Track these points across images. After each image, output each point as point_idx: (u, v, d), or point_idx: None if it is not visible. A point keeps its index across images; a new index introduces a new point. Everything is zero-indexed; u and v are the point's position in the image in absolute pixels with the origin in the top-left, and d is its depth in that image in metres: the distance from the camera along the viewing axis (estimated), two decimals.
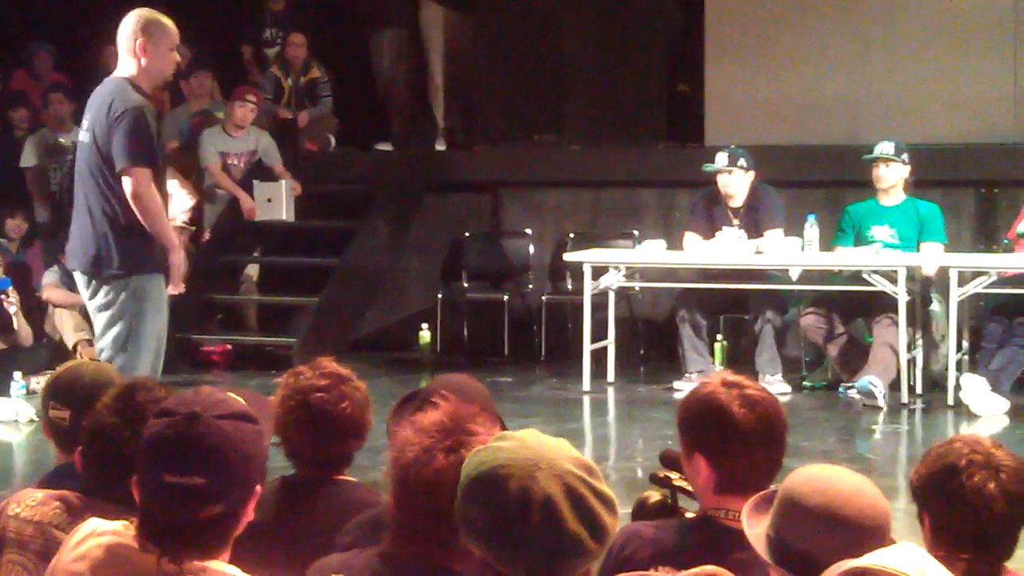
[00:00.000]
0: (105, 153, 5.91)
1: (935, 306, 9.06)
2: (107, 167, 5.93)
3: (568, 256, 9.92)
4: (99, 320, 6.04)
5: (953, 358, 8.62)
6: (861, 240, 9.11)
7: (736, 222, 9.26)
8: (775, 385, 8.72)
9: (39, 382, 8.52)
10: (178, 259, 6.04)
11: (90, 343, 8.54)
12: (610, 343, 9.45)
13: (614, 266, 9.36)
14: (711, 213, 9.39)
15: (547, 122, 11.78)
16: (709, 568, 1.89)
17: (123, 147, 5.84)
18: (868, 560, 2.02)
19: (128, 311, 5.95)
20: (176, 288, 6.10)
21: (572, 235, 10.96)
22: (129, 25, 6.00)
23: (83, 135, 6.09)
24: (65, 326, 9.80)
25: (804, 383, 9.33)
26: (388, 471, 2.60)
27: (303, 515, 3.41)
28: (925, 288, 9.03)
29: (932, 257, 8.92)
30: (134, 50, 5.96)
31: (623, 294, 10.01)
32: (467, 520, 2.25)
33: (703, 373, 8.65)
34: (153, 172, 5.93)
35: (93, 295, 6.03)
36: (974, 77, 10.67)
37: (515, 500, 2.18)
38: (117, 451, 2.90)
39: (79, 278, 6.15)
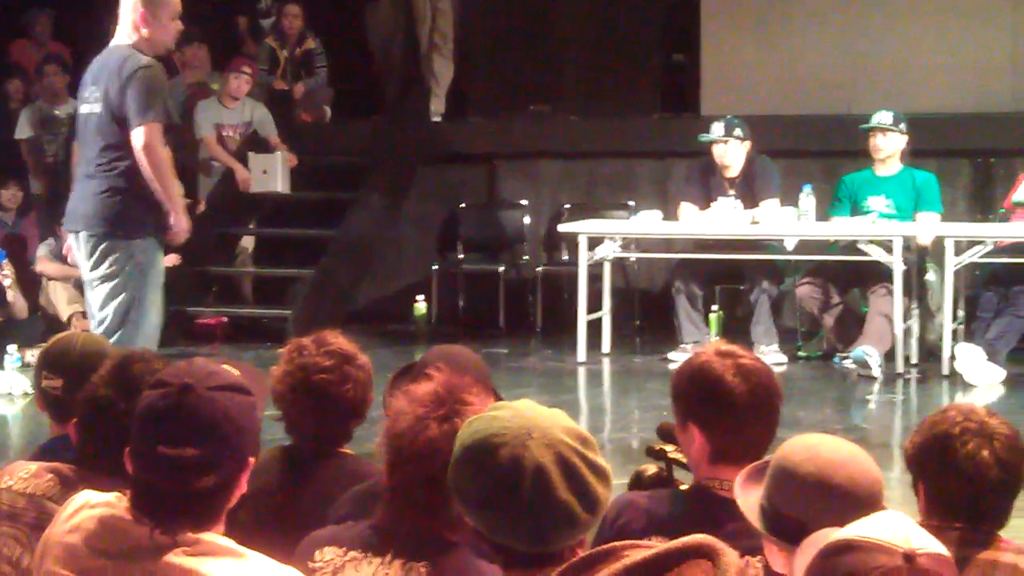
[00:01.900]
0: (118, 116, 5.93)
1: (931, 276, 9.08)
2: (117, 129, 5.96)
3: (563, 227, 9.91)
4: (100, 291, 6.02)
5: (949, 328, 8.63)
6: (857, 210, 9.10)
7: (732, 192, 9.25)
8: (770, 355, 8.73)
9: (34, 355, 8.51)
10: (180, 221, 6.01)
11: (84, 315, 8.54)
12: (606, 314, 9.45)
13: (610, 237, 9.36)
14: (707, 183, 9.37)
15: (542, 93, 11.76)
16: (699, 537, 1.89)
17: (137, 103, 5.87)
18: (853, 531, 2.01)
19: (131, 283, 5.96)
20: (176, 240, 6.08)
21: (568, 206, 10.95)
22: None
23: (91, 106, 6.08)
24: (59, 299, 9.80)
25: (799, 353, 9.33)
26: (382, 441, 2.60)
27: (303, 486, 3.41)
28: (921, 258, 9.04)
29: (928, 227, 8.91)
30: (135, 21, 5.98)
31: (619, 265, 10.01)
32: (459, 489, 2.25)
33: (699, 344, 8.65)
34: (165, 130, 5.99)
35: (96, 266, 6.02)
36: (971, 46, 10.66)
37: (506, 468, 2.18)
38: (112, 423, 2.89)
39: (81, 248, 6.12)
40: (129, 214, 5.97)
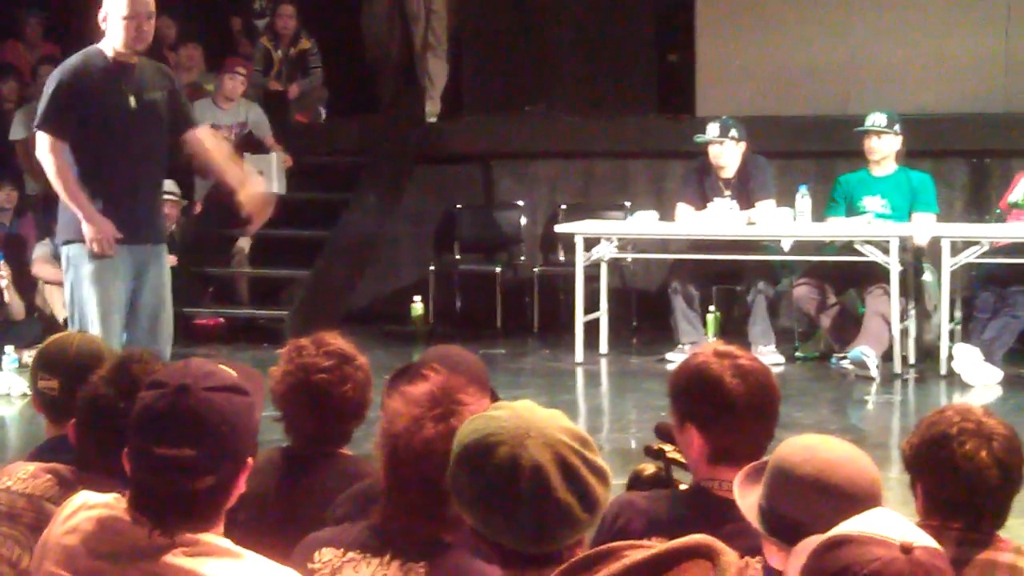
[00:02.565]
0: None
1: (927, 276, 9.08)
2: None
3: (560, 227, 9.91)
4: None
5: (945, 328, 8.63)
6: (853, 210, 9.11)
7: (728, 193, 9.25)
8: (768, 356, 8.72)
9: (31, 356, 8.49)
10: (90, 229, 5.90)
11: None
12: (603, 314, 9.45)
13: (606, 237, 9.36)
14: (703, 184, 9.38)
15: (538, 93, 11.75)
16: (698, 537, 1.89)
17: (38, 111, 5.97)
18: (849, 527, 2.02)
19: (69, 280, 6.03)
20: (95, 249, 5.93)
21: (564, 206, 10.94)
22: None
23: None
24: (55, 300, 9.78)
25: (796, 354, 9.33)
26: (378, 442, 2.60)
27: (301, 487, 3.41)
28: (917, 258, 9.04)
29: (924, 227, 8.92)
30: (100, 22, 5.98)
31: (615, 265, 10.00)
32: (458, 488, 2.25)
33: (695, 344, 8.65)
34: (80, 136, 5.92)
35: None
36: (966, 46, 10.66)
37: (504, 467, 2.18)
38: (112, 423, 2.89)
39: None
40: (64, 219, 6.01)
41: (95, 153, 5.97)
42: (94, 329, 5.85)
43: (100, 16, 5.96)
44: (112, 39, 5.94)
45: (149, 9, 5.96)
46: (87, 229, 5.90)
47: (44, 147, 5.90)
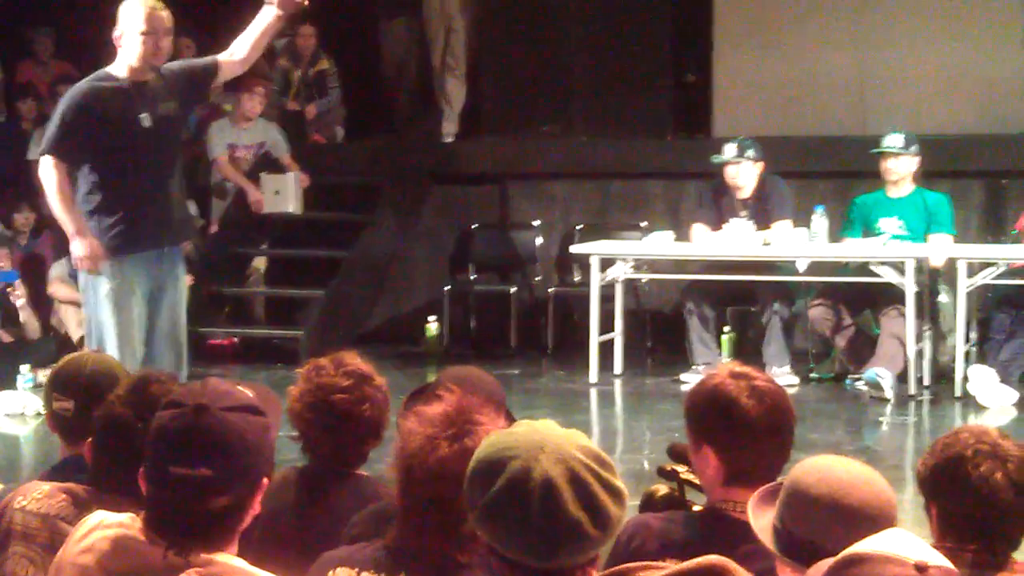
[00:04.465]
0: None
1: (943, 297, 9.06)
2: None
3: (575, 248, 9.91)
4: None
5: (961, 349, 8.61)
6: (869, 231, 9.10)
7: (744, 213, 9.24)
8: (782, 377, 8.71)
9: (47, 375, 8.51)
10: (77, 247, 5.93)
11: None
12: (617, 335, 9.44)
13: (621, 258, 9.36)
14: (719, 204, 9.37)
15: (555, 113, 11.77)
16: (712, 558, 1.89)
17: (45, 135, 6.03)
18: (864, 546, 2.02)
19: (86, 302, 6.06)
20: (78, 267, 6.01)
21: (579, 227, 10.94)
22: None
23: None
24: (70, 320, 9.81)
25: (811, 375, 9.31)
26: (393, 462, 2.60)
27: (317, 507, 3.42)
28: (933, 279, 9.02)
29: (940, 248, 8.90)
30: (115, 39, 5.99)
31: (630, 286, 9.99)
32: (472, 500, 2.25)
33: (710, 365, 8.64)
34: (76, 160, 5.95)
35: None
36: (983, 67, 10.66)
37: (516, 479, 2.18)
38: (128, 443, 2.89)
39: None
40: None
41: (111, 171, 5.99)
42: (112, 350, 5.86)
43: (115, 33, 5.96)
44: (128, 56, 5.95)
45: (166, 25, 5.97)
46: (76, 247, 5.94)
47: (47, 168, 5.93)
